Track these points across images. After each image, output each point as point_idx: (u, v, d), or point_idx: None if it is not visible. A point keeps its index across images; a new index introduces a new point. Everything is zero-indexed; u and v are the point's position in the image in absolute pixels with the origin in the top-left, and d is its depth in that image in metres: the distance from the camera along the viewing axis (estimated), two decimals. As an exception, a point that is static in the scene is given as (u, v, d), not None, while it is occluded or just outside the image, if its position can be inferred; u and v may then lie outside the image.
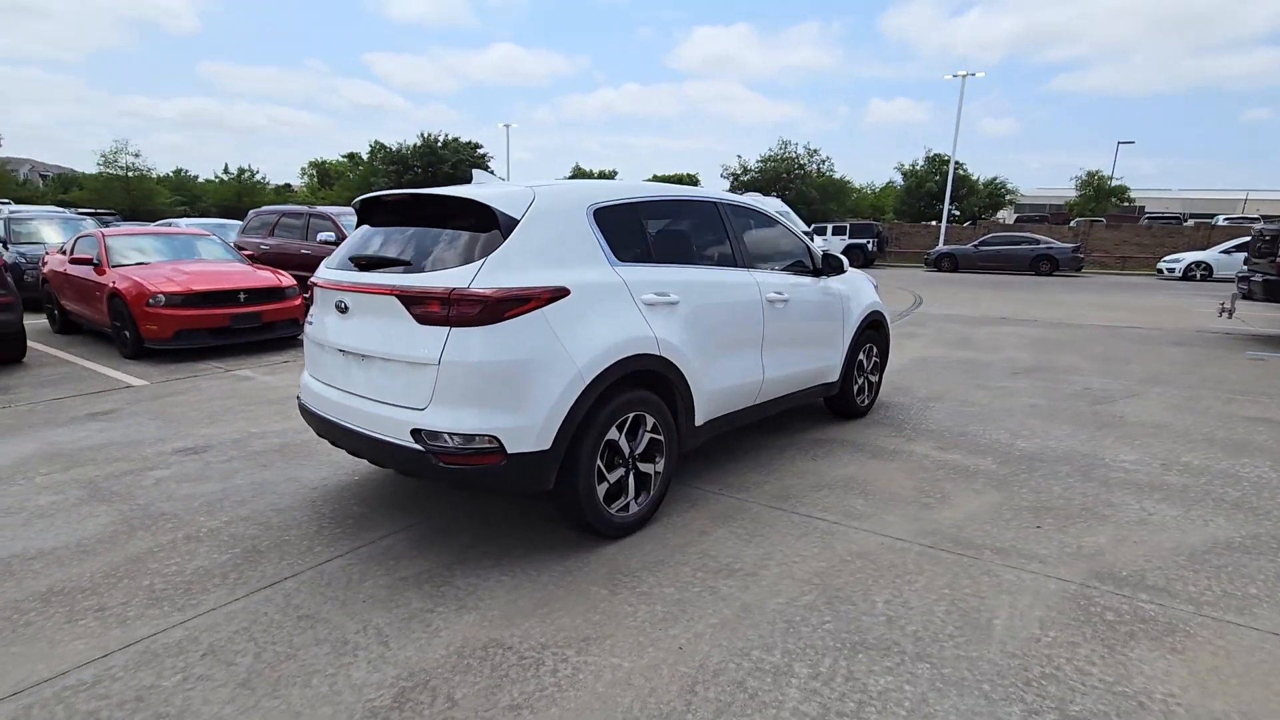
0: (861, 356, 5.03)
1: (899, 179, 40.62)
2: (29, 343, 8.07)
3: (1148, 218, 33.24)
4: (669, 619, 2.49)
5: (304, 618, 2.49)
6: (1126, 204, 41.40)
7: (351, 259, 3.10)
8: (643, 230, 3.36)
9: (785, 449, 4.44)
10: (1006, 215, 42.76)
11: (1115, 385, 6.30)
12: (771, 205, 20.08)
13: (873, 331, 5.16)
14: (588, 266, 2.99)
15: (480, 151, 40.98)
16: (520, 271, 2.75)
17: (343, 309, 3.01)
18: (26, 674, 2.17)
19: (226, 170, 51.91)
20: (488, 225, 2.83)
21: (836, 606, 2.58)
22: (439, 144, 39.86)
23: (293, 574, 2.81)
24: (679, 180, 49.23)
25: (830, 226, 26.64)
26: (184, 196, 46.74)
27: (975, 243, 24.10)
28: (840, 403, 4.99)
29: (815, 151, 37.66)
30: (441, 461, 2.67)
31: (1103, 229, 28.71)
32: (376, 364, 2.88)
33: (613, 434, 3.00)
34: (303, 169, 60.97)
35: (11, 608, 2.54)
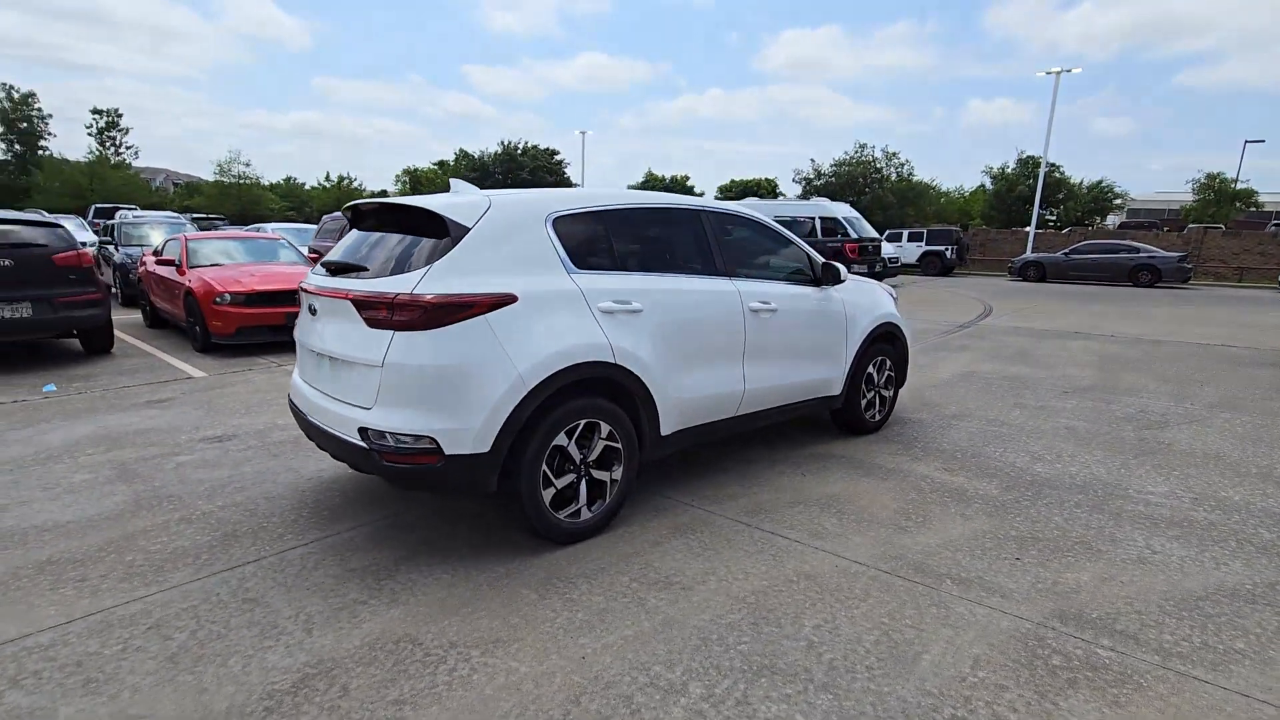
0: (871, 370, 4.84)
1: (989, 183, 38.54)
2: (122, 335, 8.96)
3: (1275, 224, 30.01)
4: (585, 627, 2.50)
5: (248, 600, 2.66)
6: (1253, 209, 37.54)
7: (323, 264, 3.29)
8: (608, 238, 3.37)
9: (778, 463, 4.32)
10: (1116, 221, 39.75)
11: (1177, 409, 5.76)
12: (838, 210, 19.56)
13: (885, 344, 4.95)
14: (542, 274, 3.03)
15: (557, 158, 42.01)
16: (467, 278, 2.83)
17: (313, 312, 3.19)
18: (-1, 633, 2.43)
19: (328, 177, 55.63)
20: (440, 233, 2.93)
21: (760, 628, 2.50)
22: (518, 151, 41.16)
23: (256, 559, 3.00)
24: (754, 186, 48.64)
25: (905, 233, 25.57)
26: (291, 202, 50.42)
27: (1066, 251, 22.51)
28: (846, 417, 4.81)
29: (894, 155, 36.31)
30: (384, 460, 2.79)
31: (1220, 237, 26.15)
32: (339, 365, 3.04)
33: (561, 440, 3.03)
34: (397, 176, 64.35)
35: (10, 573, 2.85)
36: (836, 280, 4.42)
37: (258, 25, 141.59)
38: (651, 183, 46.32)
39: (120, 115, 49.38)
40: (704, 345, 3.63)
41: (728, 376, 3.77)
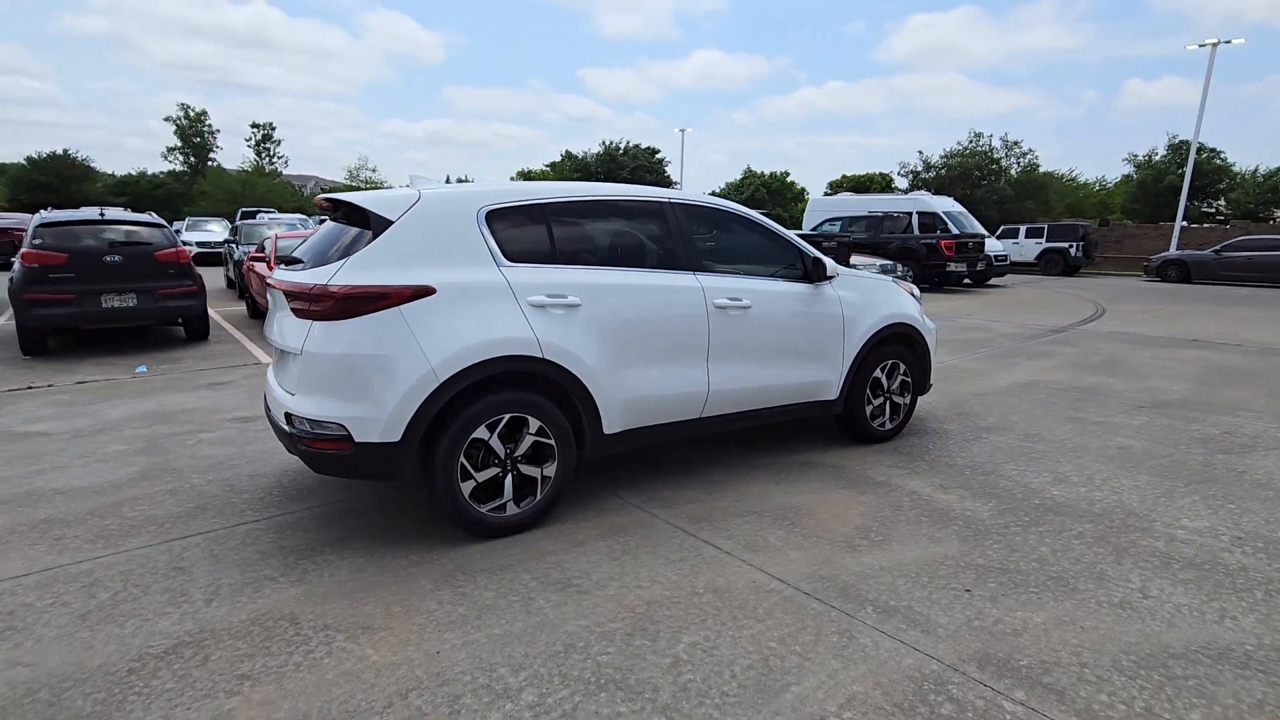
0: (879, 374, 4.46)
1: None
2: (223, 324, 9.96)
3: None
4: (459, 622, 2.48)
5: (177, 569, 2.86)
6: None
7: (279, 257, 3.47)
8: (547, 232, 3.32)
9: (758, 468, 4.10)
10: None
11: (1277, 433, 4.89)
12: (938, 205, 18.32)
13: (899, 346, 4.55)
14: (467, 267, 3.04)
15: (658, 156, 42.23)
16: (384, 270, 2.88)
17: (269, 303, 3.39)
18: (-32, 580, 2.76)
19: (448, 181, 58.81)
20: (366, 226, 3.01)
21: (633, 640, 2.37)
22: (619, 151, 41.76)
23: (209, 530, 3.22)
24: (867, 180, 46.46)
25: (1023, 228, 23.42)
26: (413, 204, 54.17)
27: (1217, 247, 19.73)
28: (849, 424, 4.48)
29: (1015, 144, 33.20)
30: (301, 444, 2.91)
31: None
32: (283, 354, 3.20)
33: (481, 433, 3.02)
34: (511, 177, 67.33)
35: (9, 528, 3.23)
36: (822, 276, 4.10)
37: (398, 42, 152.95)
38: (749, 180, 45.44)
39: (273, 128, 55.05)
40: (657, 342, 3.49)
41: (687, 376, 3.61)
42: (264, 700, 2.05)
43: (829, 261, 4.14)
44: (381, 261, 2.90)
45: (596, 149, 42.22)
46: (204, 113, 52.65)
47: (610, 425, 3.37)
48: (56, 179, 43.78)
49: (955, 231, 17.06)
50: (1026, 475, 4.00)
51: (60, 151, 45.49)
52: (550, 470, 3.23)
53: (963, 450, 4.45)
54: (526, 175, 64.52)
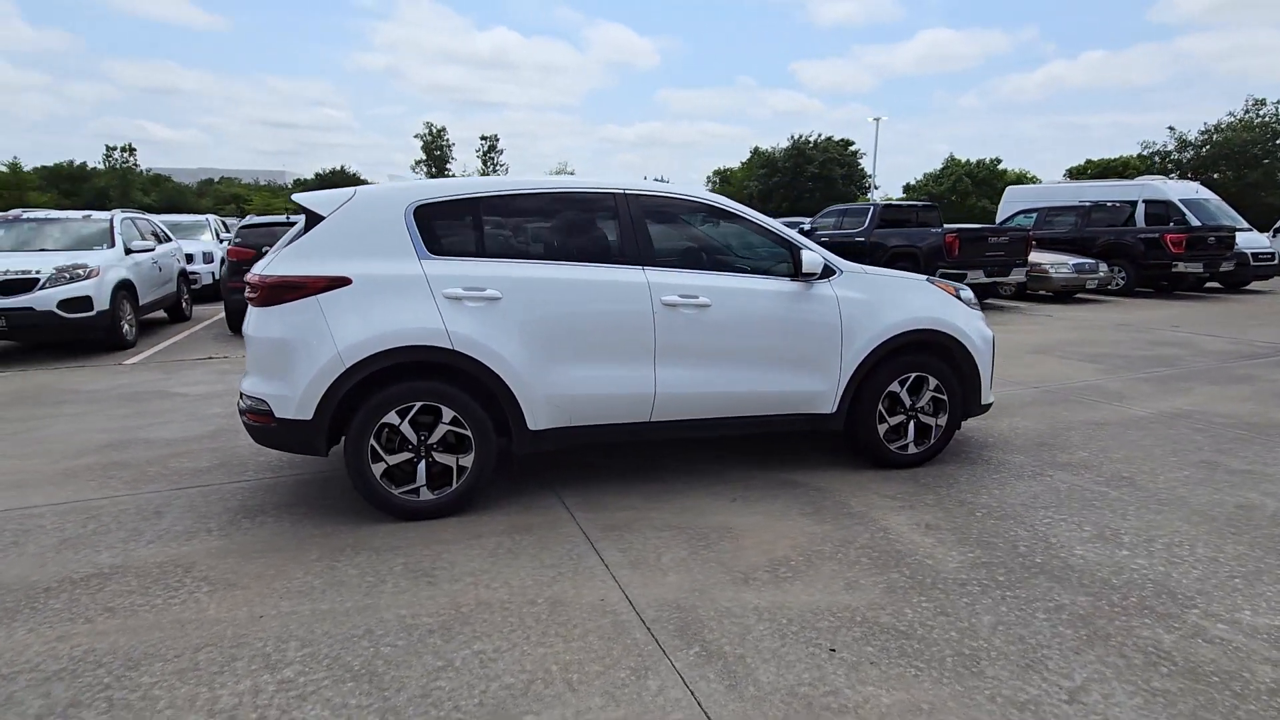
0: (897, 388, 3.83)
1: None
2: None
3: None
4: (304, 593, 2.63)
5: (157, 514, 3.38)
6: None
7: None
8: (476, 226, 3.35)
9: (726, 481, 3.76)
10: None
11: None
12: (1173, 192, 15.20)
13: (926, 357, 3.87)
14: (387, 260, 3.19)
15: (852, 149, 39.81)
16: (309, 261, 3.14)
17: None
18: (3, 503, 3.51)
19: (645, 179, 61.44)
20: (307, 221, 3.29)
21: (430, 637, 2.34)
22: (808, 145, 40.04)
23: (208, 485, 3.76)
24: (1120, 164, 39.41)
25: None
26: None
27: None
28: (856, 443, 3.92)
29: (1312, 114, 25.44)
30: (244, 417, 3.27)
31: None
32: None
33: (392, 418, 3.16)
34: (708, 176, 68.15)
35: (84, 466, 4.06)
36: (804, 273, 3.60)
37: (617, 51, 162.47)
38: (950, 169, 40.68)
39: (497, 139, 61.55)
40: (590, 340, 3.37)
41: (630, 376, 3.43)
42: (102, 631, 2.37)
43: (824, 257, 3.65)
44: (311, 254, 3.16)
45: (785, 144, 40.87)
46: (444, 129, 60.47)
47: (536, 422, 3.32)
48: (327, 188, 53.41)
49: (1193, 224, 13.88)
50: (1058, 527, 3.19)
51: (338, 168, 55.37)
52: (467, 461, 3.27)
53: (999, 487, 3.67)
54: (721, 173, 64.84)
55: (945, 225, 12.22)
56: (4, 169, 41.15)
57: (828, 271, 3.72)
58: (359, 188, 3.38)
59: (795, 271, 3.65)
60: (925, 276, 4.09)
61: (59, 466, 4.06)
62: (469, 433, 3.24)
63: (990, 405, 4.19)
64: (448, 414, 3.21)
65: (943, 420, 3.97)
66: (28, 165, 46.98)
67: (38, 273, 7.30)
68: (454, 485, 3.29)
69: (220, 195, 60.01)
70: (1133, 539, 3.05)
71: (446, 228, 3.31)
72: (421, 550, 2.98)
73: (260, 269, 3.21)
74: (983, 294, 11.15)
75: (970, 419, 4.22)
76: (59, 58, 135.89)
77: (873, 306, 3.77)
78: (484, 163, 61.42)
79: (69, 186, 48.45)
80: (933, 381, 3.90)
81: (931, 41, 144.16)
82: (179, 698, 2.03)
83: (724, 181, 61.91)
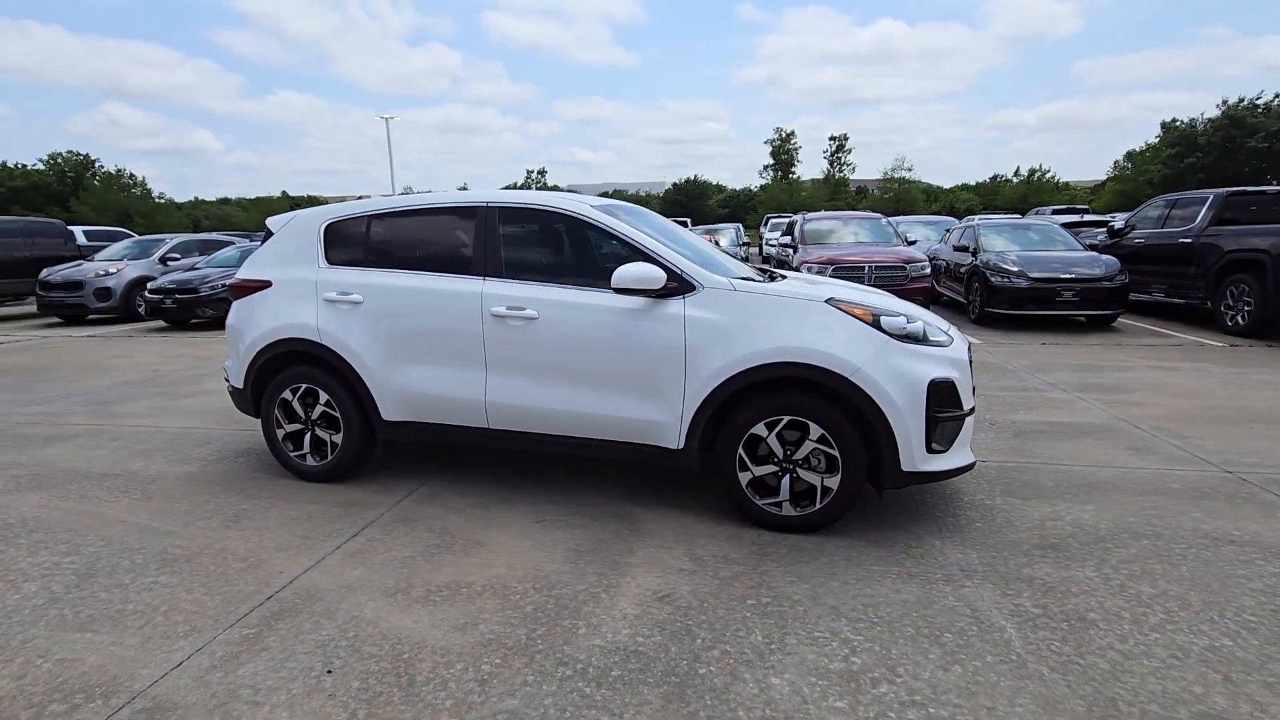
0: (765, 434, 3.13)
1: None
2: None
3: None
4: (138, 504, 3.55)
5: (203, 444, 4.75)
6: None
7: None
8: (364, 240, 3.86)
9: (575, 503, 3.59)
10: None
11: None
12: None
13: (802, 397, 3.09)
14: (299, 268, 3.93)
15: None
16: (255, 269, 4.06)
17: None
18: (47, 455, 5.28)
19: (1017, 173, 53.28)
20: (264, 236, 4.23)
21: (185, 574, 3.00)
22: (1254, 110, 29.16)
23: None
24: None
25: None
26: (982, 199, 51.41)
27: None
28: (725, 489, 3.34)
29: None
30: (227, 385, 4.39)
31: None
32: None
33: (286, 395, 3.92)
34: (1115, 162, 55.38)
35: (154, 430, 5.81)
36: (621, 289, 3.17)
37: (1022, 23, 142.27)
38: None
39: (846, 138, 60.13)
40: (429, 342, 3.63)
41: (463, 381, 3.58)
42: (79, 512, 3.62)
43: (680, 270, 3.23)
44: (258, 262, 4.10)
45: (1212, 113, 30.30)
46: (792, 133, 61.66)
47: (388, 412, 3.73)
48: (686, 197, 58.91)
49: None
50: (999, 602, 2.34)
51: (692, 177, 61.01)
52: (337, 438, 3.86)
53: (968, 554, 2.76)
54: (1132, 156, 52.11)
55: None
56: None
57: (680, 288, 3.26)
58: (299, 211, 4.20)
59: (657, 289, 3.26)
60: (825, 297, 3.20)
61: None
62: (338, 414, 3.82)
63: (948, 472, 3.10)
64: (323, 397, 3.84)
65: (833, 481, 3.10)
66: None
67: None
68: (329, 457, 3.91)
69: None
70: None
71: (343, 242, 3.91)
72: (281, 509, 3.66)
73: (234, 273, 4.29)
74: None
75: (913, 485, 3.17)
76: (525, 104, 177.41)
77: (729, 332, 3.16)
78: (831, 164, 60.59)
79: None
80: (815, 430, 3.09)
81: None
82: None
83: (1127, 168, 49.78)
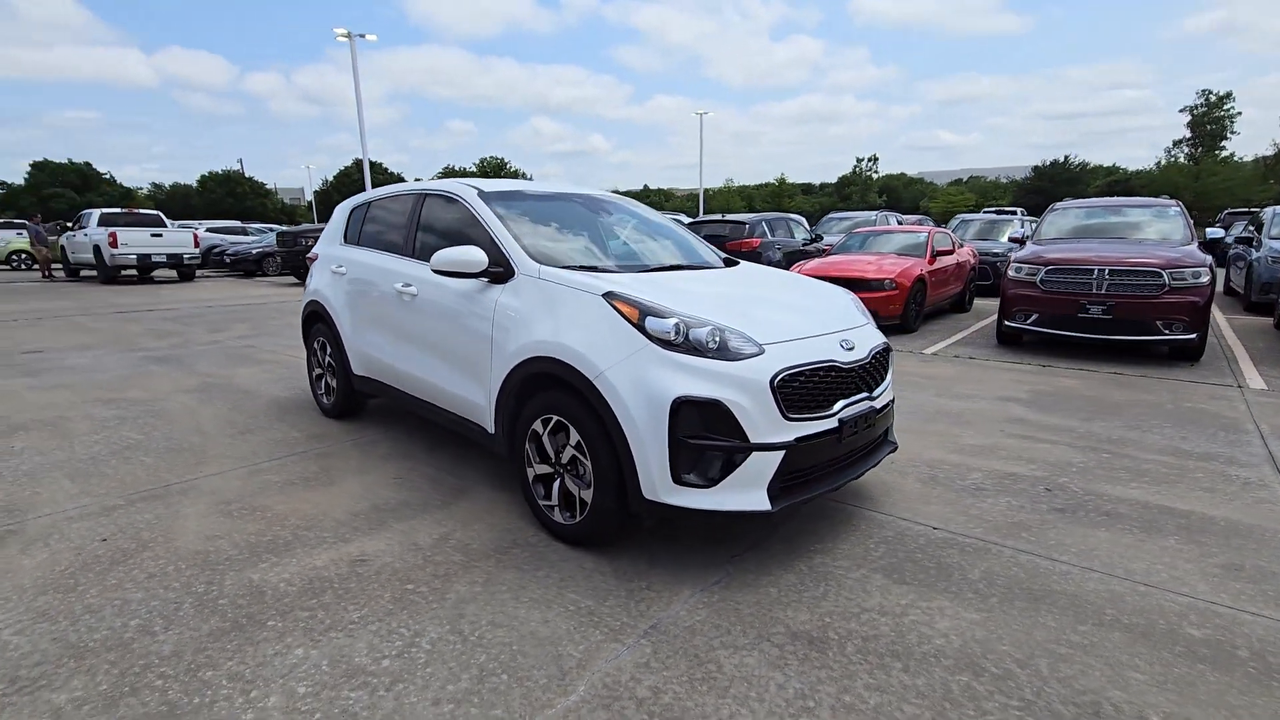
0: (540, 429, 2.98)
1: None
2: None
3: None
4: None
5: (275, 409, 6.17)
6: None
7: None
8: (363, 222, 4.58)
9: (464, 462, 3.85)
10: None
11: None
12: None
13: (562, 397, 2.84)
14: (333, 245, 4.85)
15: None
16: (319, 243, 5.16)
17: None
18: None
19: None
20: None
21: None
22: None
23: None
24: None
25: None
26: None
27: None
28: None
29: None
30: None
31: None
32: None
33: (315, 345, 4.94)
34: None
35: (201, 386, 7.30)
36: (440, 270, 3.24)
37: None
38: None
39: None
40: (373, 312, 4.22)
41: (389, 349, 4.08)
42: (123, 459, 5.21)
43: (508, 254, 3.27)
44: (321, 238, 5.18)
45: None
46: (1227, 95, 46.56)
47: (356, 367, 4.47)
48: (1050, 182, 49.72)
49: None
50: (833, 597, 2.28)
51: (1063, 159, 51.09)
52: (334, 382, 4.75)
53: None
54: None
55: None
56: (773, 181, 56.62)
57: (504, 274, 3.23)
58: (363, 194, 5.12)
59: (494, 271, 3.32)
60: (606, 288, 2.81)
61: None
62: (331, 361, 4.71)
63: (708, 513, 2.56)
64: (329, 349, 4.75)
65: (588, 495, 2.80)
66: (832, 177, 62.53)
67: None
68: (330, 400, 4.83)
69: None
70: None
71: (357, 223, 4.71)
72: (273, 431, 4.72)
73: (317, 248, 5.45)
74: None
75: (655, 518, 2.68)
76: (887, 86, 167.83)
77: (519, 322, 3.06)
78: (1286, 135, 44.51)
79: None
80: (574, 435, 2.83)
81: None
82: (122, 430, 4.63)
83: None
